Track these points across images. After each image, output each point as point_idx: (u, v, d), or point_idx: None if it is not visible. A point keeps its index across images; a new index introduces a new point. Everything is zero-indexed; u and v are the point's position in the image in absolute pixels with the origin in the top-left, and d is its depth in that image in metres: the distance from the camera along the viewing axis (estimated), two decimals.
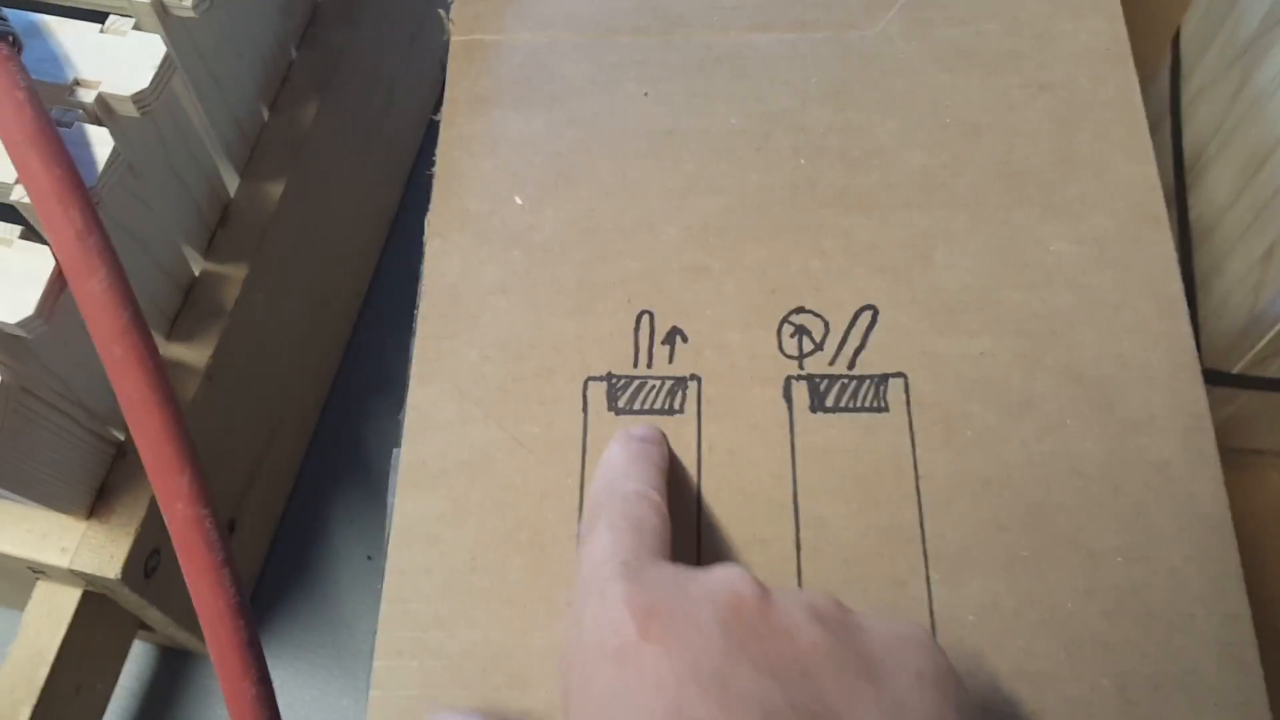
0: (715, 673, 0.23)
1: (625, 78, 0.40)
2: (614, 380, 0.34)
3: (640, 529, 0.28)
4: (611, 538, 0.28)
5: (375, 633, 0.32)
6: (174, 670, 0.49)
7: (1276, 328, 0.42)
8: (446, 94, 0.40)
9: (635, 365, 0.35)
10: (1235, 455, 0.49)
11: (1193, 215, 0.47)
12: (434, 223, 0.38)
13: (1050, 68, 0.39)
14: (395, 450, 0.34)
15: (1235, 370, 0.44)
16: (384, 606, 0.32)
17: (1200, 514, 0.32)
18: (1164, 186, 0.37)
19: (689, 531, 0.32)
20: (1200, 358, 0.35)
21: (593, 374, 0.35)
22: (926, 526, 0.32)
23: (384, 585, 0.32)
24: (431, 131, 0.39)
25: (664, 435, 0.33)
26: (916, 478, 0.33)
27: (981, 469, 0.33)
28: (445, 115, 0.40)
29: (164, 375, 0.31)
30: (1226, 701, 0.30)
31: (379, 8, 0.52)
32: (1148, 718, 0.30)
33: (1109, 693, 0.30)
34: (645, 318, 0.35)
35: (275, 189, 0.44)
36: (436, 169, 0.39)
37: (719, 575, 0.26)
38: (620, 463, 0.31)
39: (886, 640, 0.25)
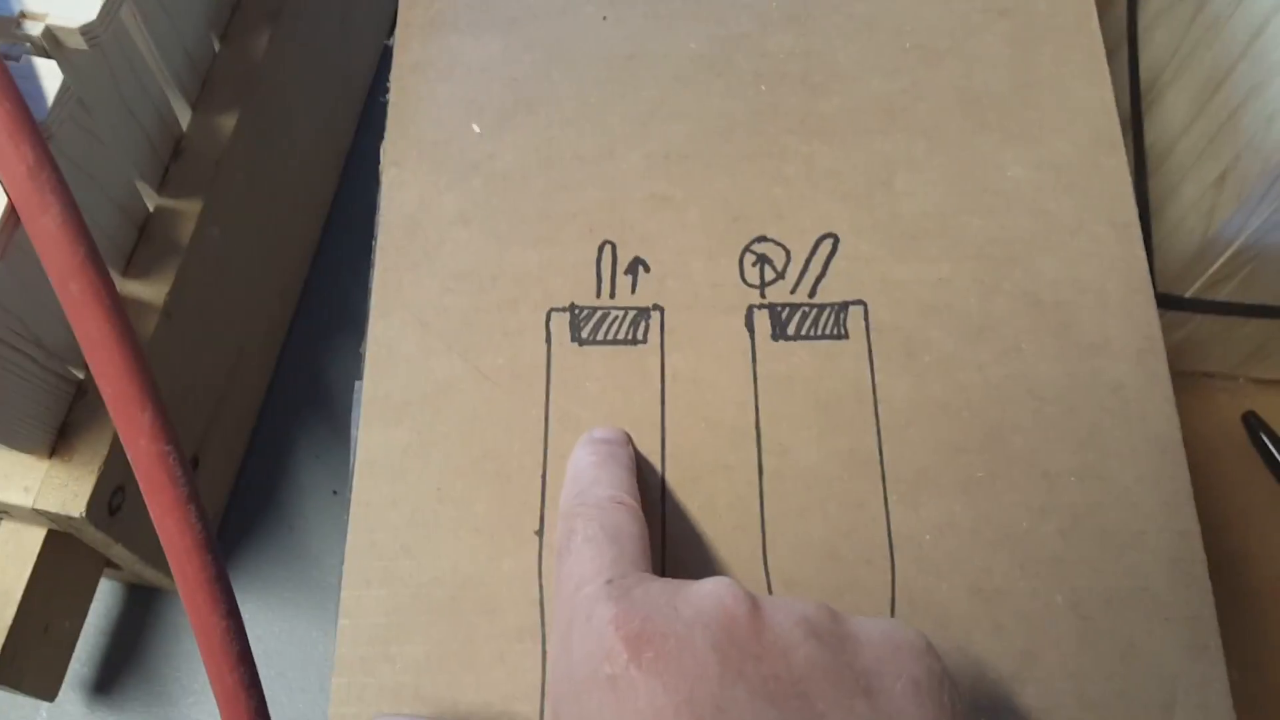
0: (711, 700, 0.23)
1: (583, 0, 0.39)
2: (577, 311, 0.34)
3: (619, 539, 0.28)
4: (591, 553, 0.27)
5: (342, 565, 0.32)
6: (142, 607, 0.49)
7: (1229, 252, 0.42)
8: (400, 17, 0.39)
9: (598, 296, 0.35)
10: (1187, 378, 0.50)
11: (1148, 141, 0.47)
12: (390, 151, 0.37)
13: None
14: (357, 383, 0.34)
15: (1188, 294, 0.45)
16: (350, 538, 0.32)
17: (1153, 435, 0.33)
18: (1120, 112, 0.38)
19: (655, 515, 0.32)
20: (1154, 282, 0.35)
21: (556, 305, 0.35)
22: (885, 450, 0.32)
23: (350, 517, 0.32)
24: (386, 59, 0.39)
25: (628, 435, 0.33)
26: (876, 403, 0.33)
27: (939, 393, 0.33)
28: (399, 40, 0.39)
29: (122, 311, 0.30)
30: (1176, 615, 0.31)
31: None
32: (1100, 632, 0.31)
33: (1063, 608, 0.31)
34: (607, 248, 0.35)
35: (228, 121, 0.44)
36: (391, 96, 0.38)
37: (708, 591, 0.25)
38: (589, 468, 0.31)
39: (880, 649, 0.25)
